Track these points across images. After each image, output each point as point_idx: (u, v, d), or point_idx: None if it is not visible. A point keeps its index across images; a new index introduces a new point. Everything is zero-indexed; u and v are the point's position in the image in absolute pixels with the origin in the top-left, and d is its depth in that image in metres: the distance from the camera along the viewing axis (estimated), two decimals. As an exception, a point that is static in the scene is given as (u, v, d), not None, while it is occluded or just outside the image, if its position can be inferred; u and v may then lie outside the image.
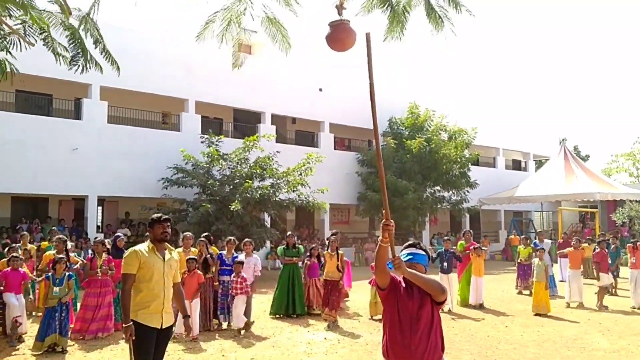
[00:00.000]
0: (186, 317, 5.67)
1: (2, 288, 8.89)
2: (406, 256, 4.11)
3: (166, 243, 5.51)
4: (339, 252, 10.94)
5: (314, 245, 12.38)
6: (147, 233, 5.59)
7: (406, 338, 3.95)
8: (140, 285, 5.26)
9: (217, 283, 10.38)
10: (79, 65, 7.74)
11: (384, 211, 3.91)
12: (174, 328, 5.66)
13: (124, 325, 5.17)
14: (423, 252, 4.18)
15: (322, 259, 11.77)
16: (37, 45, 7.74)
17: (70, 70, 7.83)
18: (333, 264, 10.75)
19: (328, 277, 10.72)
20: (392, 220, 3.88)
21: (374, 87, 3.81)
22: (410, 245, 4.23)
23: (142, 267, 5.25)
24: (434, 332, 3.98)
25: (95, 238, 12.38)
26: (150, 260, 5.28)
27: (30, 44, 7.29)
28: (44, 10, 7.27)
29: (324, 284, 10.89)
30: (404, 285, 4.08)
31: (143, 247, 5.41)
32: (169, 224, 5.48)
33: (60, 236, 10.72)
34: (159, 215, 5.55)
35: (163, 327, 5.29)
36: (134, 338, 5.08)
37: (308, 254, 12.17)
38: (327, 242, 11.93)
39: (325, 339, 9.58)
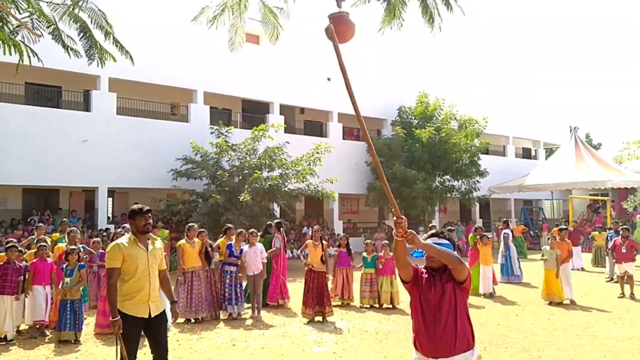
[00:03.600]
0: (173, 302, 5.69)
1: (21, 278, 8.87)
2: None
3: (150, 234, 5.49)
4: (323, 242, 10.57)
5: (342, 235, 12.17)
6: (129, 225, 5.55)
7: (430, 329, 3.93)
8: (125, 277, 5.23)
9: (212, 266, 10.47)
10: (94, 59, 7.75)
11: (393, 209, 3.86)
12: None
13: (110, 319, 5.14)
14: (447, 241, 4.09)
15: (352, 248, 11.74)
16: (46, 37, 7.75)
17: (80, 62, 7.88)
18: (317, 254, 10.36)
19: (313, 268, 10.30)
20: (403, 217, 3.83)
21: (348, 78, 3.78)
22: (433, 235, 4.15)
23: (126, 260, 5.22)
24: (460, 321, 3.92)
25: (112, 229, 12.43)
26: (133, 253, 5.25)
27: (37, 35, 7.29)
28: (50, 2, 7.27)
29: (308, 273, 10.35)
30: (425, 275, 4.06)
31: (124, 240, 5.36)
32: (150, 215, 5.42)
33: (73, 228, 10.78)
34: (140, 206, 5.46)
35: (152, 315, 5.29)
36: (121, 332, 5.09)
37: (337, 244, 12.11)
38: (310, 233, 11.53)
39: (335, 328, 9.60)
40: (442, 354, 3.90)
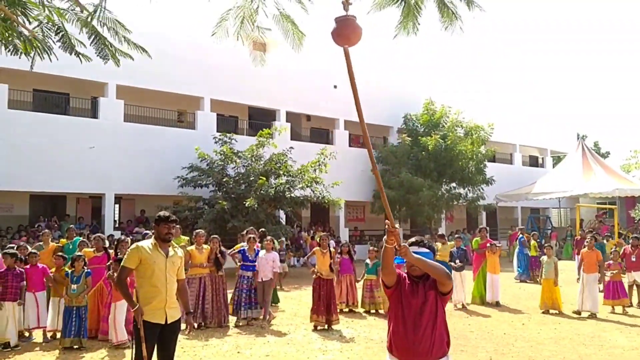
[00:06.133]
0: (189, 313, 5.73)
1: (24, 283, 8.93)
2: None
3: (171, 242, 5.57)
4: (331, 250, 10.55)
5: (343, 242, 12.24)
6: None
7: (409, 333, 4.01)
8: (142, 282, 5.33)
9: (221, 273, 10.42)
10: (108, 59, 7.76)
11: (387, 221, 3.95)
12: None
13: (132, 310, 5.25)
14: (427, 250, 4.20)
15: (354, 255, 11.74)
16: (54, 44, 7.76)
17: (87, 70, 7.90)
18: (325, 262, 10.30)
19: (320, 276, 10.19)
20: (396, 227, 3.92)
21: (359, 99, 3.85)
22: (413, 243, 4.24)
23: (142, 264, 5.31)
24: (438, 328, 4.01)
25: (118, 236, 12.36)
26: (152, 257, 5.32)
27: (49, 48, 7.31)
28: (60, 9, 7.30)
29: (317, 281, 10.22)
30: (408, 282, 4.15)
31: (147, 243, 5.47)
32: (174, 225, 5.51)
33: (100, 234, 10.79)
34: (167, 214, 5.53)
35: (168, 322, 5.33)
36: (145, 319, 5.17)
37: (339, 250, 12.18)
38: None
39: (340, 336, 9.58)
40: (419, 359, 3.99)
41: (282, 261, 15.06)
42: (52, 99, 20.35)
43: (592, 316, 11.26)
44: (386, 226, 3.91)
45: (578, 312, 11.43)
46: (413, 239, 4.31)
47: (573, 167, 28.62)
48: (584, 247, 12.35)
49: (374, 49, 24.55)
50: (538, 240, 25.13)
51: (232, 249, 11.29)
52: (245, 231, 11.57)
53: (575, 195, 28.07)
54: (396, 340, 4.07)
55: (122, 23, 7.82)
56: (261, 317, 10.56)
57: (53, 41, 7.49)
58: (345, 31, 4.58)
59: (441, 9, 6.78)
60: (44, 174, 18.02)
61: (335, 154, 20.17)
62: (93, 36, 7.44)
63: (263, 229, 12.71)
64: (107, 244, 10.58)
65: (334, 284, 10.45)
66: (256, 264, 10.53)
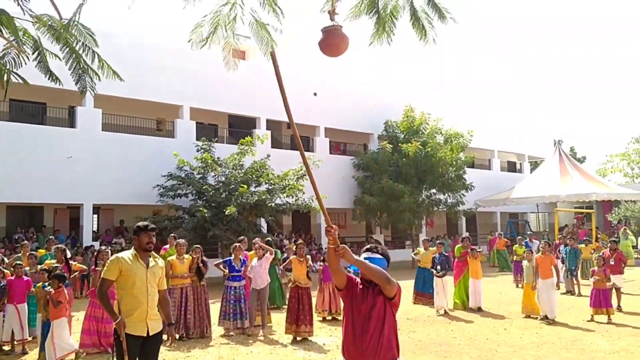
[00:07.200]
0: (170, 325, 5.64)
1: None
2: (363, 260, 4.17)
3: (152, 252, 5.50)
4: (308, 257, 10.53)
5: (325, 249, 12.31)
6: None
7: (357, 338, 4.05)
8: (122, 293, 5.24)
9: (203, 283, 10.33)
10: (85, 91, 7.74)
11: (324, 217, 4.05)
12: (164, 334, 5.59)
13: (114, 323, 5.15)
14: (380, 256, 4.23)
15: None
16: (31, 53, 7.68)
17: (64, 79, 7.83)
18: (302, 270, 10.25)
19: (298, 284, 10.12)
20: (334, 225, 3.98)
21: (287, 101, 3.92)
22: (367, 250, 4.31)
23: (123, 275, 5.23)
24: (386, 333, 4.04)
25: (99, 247, 12.19)
26: (132, 268, 5.25)
27: (25, 53, 7.23)
28: (35, 21, 7.22)
29: (295, 290, 10.11)
30: (360, 286, 4.18)
31: (127, 254, 5.39)
32: (154, 233, 5.45)
33: (59, 245, 10.66)
34: (146, 223, 5.49)
35: (150, 334, 5.26)
36: (126, 331, 5.07)
37: (322, 258, 12.20)
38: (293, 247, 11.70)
39: (323, 344, 9.54)
40: None
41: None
42: (29, 108, 20.07)
43: (551, 322, 11.07)
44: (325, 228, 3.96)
45: (546, 318, 11.32)
46: (368, 246, 4.38)
47: (550, 172, 28.99)
48: (539, 252, 12.07)
49: (354, 57, 24.64)
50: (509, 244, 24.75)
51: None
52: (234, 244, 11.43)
53: (553, 200, 28.39)
54: (346, 344, 4.13)
55: (95, 38, 7.78)
56: (247, 326, 10.45)
57: (28, 57, 7.43)
58: (333, 40, 4.61)
59: (414, 24, 6.86)
60: (21, 184, 17.74)
61: (317, 162, 20.17)
62: (71, 61, 7.38)
63: (268, 238, 12.62)
64: (68, 254, 10.42)
65: (311, 292, 10.38)
66: (242, 272, 10.44)
